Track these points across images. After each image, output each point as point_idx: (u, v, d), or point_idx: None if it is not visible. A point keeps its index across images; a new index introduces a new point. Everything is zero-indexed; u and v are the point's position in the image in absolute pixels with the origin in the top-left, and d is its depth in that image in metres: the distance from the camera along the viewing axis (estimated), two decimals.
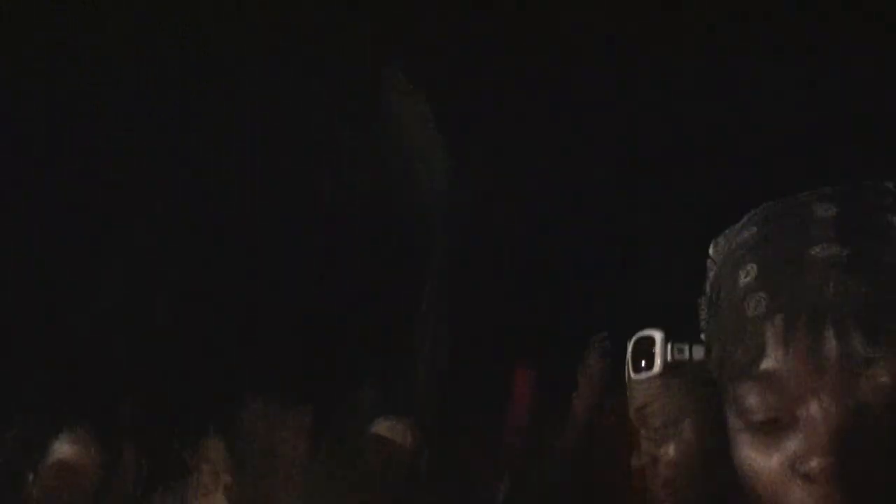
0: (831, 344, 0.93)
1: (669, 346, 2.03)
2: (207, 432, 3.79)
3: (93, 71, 8.95)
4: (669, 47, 8.71)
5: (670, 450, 1.96)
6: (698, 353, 2.10)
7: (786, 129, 9.18)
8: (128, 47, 8.92)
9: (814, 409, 0.94)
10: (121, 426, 4.97)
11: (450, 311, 8.72)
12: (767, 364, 0.94)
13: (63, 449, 2.40)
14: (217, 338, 10.35)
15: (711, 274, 1.09)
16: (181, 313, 10.75)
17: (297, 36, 8.61)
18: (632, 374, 2.06)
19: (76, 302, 10.39)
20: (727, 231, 1.10)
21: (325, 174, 9.52)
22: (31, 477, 2.51)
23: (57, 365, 10.03)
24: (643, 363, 2.07)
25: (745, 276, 1.00)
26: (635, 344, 2.09)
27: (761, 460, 0.97)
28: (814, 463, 0.94)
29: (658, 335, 2.04)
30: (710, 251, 1.11)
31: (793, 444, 0.96)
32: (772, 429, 0.96)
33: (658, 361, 2.02)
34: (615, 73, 9.02)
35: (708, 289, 1.09)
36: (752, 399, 0.95)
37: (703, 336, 1.14)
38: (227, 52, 8.83)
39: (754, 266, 1.00)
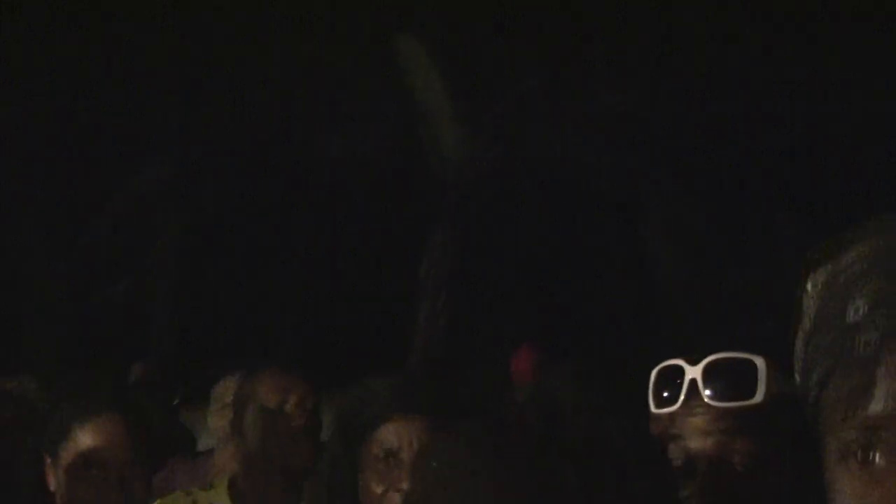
0: None
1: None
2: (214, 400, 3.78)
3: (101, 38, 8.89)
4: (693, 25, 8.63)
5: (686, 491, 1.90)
6: None
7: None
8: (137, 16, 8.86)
9: None
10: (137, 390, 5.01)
11: (452, 292, 8.68)
12: (876, 408, 0.87)
13: (88, 441, 2.37)
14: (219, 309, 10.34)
15: (811, 305, 0.98)
16: (185, 292, 10.75)
17: (311, 6, 8.52)
18: (653, 409, 1.96)
19: (90, 277, 10.37)
20: (826, 247, 0.97)
21: (336, 145, 9.44)
22: (48, 461, 2.49)
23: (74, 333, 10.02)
24: (666, 395, 1.99)
25: (855, 313, 0.91)
26: (659, 374, 1.98)
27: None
28: None
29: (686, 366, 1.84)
30: (808, 284, 0.98)
31: None
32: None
33: (684, 395, 1.94)
34: (631, 55, 8.93)
35: (807, 323, 0.98)
36: (856, 445, 0.88)
37: (797, 371, 1.00)
38: (239, 20, 8.75)
39: (864, 302, 0.90)
